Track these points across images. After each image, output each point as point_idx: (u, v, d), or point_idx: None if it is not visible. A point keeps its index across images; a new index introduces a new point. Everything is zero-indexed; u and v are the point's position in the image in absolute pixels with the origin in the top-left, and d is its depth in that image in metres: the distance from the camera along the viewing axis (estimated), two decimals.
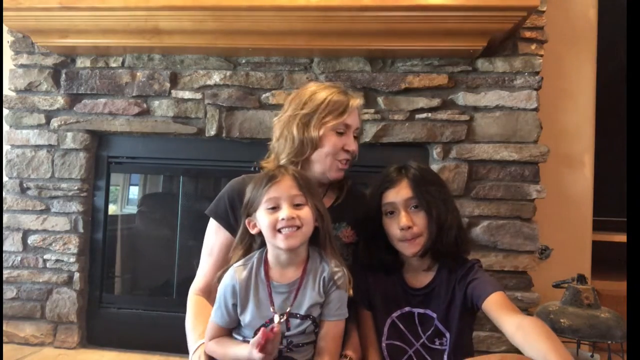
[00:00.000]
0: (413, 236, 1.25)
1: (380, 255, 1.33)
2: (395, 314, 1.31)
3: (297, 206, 1.13)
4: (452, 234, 1.25)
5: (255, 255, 1.20)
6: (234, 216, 1.35)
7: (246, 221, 1.19)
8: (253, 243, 1.22)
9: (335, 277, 1.16)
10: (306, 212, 1.13)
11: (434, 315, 1.27)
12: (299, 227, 1.11)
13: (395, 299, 1.32)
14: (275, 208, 1.12)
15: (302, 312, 1.14)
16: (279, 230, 1.11)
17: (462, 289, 1.23)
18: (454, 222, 1.28)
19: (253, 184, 1.19)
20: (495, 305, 1.15)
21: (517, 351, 1.05)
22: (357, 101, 1.39)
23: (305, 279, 1.16)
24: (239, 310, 1.16)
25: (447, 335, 1.25)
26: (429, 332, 1.26)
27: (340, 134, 1.36)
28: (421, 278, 1.31)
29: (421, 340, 1.27)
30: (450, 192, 1.40)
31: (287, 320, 1.13)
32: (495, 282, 1.24)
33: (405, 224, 1.24)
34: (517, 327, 1.06)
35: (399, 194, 1.27)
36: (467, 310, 1.25)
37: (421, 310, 1.29)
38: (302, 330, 1.14)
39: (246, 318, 1.15)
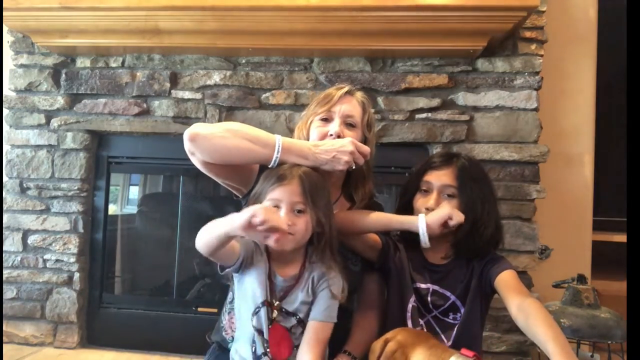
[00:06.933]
0: None
1: None
2: (415, 285, 1.34)
3: (297, 212, 1.14)
4: (487, 233, 1.28)
5: None
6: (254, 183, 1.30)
7: None
8: None
9: (324, 279, 1.17)
10: (303, 221, 1.14)
11: (449, 293, 1.30)
12: (291, 234, 1.11)
13: (419, 271, 1.36)
14: (276, 207, 1.14)
15: (291, 309, 1.15)
16: None
17: (479, 269, 1.28)
18: (489, 223, 1.29)
19: (264, 175, 1.20)
20: (503, 283, 1.21)
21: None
22: (343, 90, 1.38)
23: (302, 278, 1.18)
24: (243, 266, 1.15)
25: (462, 310, 1.28)
26: (445, 306, 1.30)
27: (324, 121, 1.37)
28: (440, 256, 1.34)
29: (432, 314, 1.30)
30: (495, 193, 1.38)
31: (273, 311, 1.14)
32: (507, 261, 1.29)
33: (431, 205, 1.28)
34: (518, 308, 1.11)
35: (440, 178, 1.31)
36: (482, 291, 1.28)
37: (437, 287, 1.32)
38: (287, 328, 1.15)
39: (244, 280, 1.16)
